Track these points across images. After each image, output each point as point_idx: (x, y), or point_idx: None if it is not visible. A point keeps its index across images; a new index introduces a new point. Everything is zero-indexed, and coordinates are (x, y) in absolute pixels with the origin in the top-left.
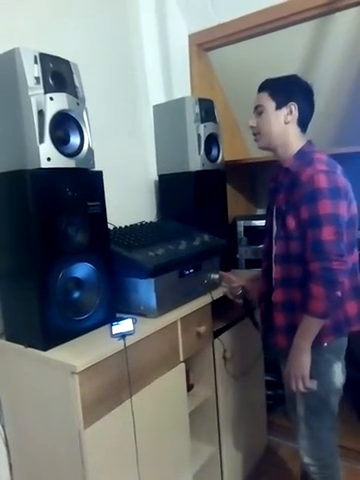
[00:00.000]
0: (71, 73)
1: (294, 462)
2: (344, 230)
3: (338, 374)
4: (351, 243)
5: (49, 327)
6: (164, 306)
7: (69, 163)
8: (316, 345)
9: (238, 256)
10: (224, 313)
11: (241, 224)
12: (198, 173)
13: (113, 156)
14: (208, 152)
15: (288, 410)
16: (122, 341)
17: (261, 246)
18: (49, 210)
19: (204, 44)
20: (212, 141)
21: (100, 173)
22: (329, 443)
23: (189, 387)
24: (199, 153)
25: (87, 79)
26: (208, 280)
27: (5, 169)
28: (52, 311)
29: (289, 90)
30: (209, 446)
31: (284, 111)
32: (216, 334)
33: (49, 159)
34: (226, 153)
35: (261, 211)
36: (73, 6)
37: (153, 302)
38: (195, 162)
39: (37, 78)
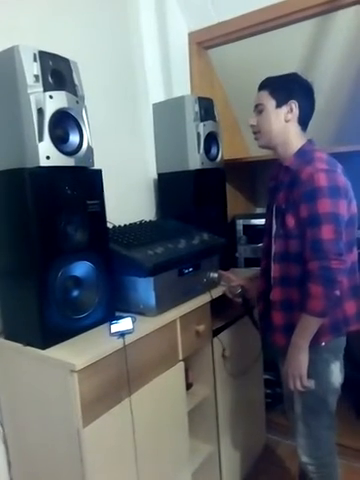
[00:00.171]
0: (70, 71)
1: (293, 460)
2: (343, 229)
3: (336, 373)
4: (350, 242)
5: (48, 325)
6: (163, 305)
7: (68, 161)
8: (314, 344)
9: (237, 255)
10: (223, 312)
11: (240, 223)
12: (197, 172)
13: (112, 154)
14: (208, 151)
15: (286, 409)
16: (121, 340)
17: (260, 245)
18: (48, 208)
19: (204, 42)
20: (212, 140)
21: (99, 171)
22: (327, 442)
23: (188, 386)
24: (199, 152)
25: (87, 77)
26: (207, 279)
27: (4, 167)
28: (51, 309)
29: (289, 88)
30: (208, 445)
31: (284, 109)
32: (215, 333)
33: (48, 157)
34: (226, 152)
35: (260, 210)
36: (73, 4)
37: (152, 301)
38: (194, 161)
39: (36, 76)
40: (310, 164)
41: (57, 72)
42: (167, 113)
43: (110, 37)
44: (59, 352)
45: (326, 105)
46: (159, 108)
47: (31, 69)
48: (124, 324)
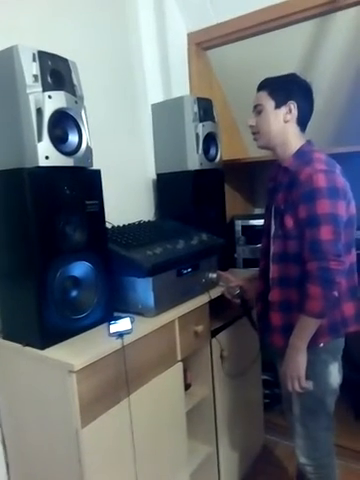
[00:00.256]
0: (70, 71)
1: (291, 461)
2: (342, 230)
3: (334, 375)
4: (349, 243)
5: (47, 326)
6: (162, 305)
7: (67, 161)
8: (312, 345)
9: (236, 255)
10: (222, 312)
11: (239, 223)
12: (196, 172)
13: (111, 155)
14: (206, 151)
15: (284, 410)
16: (120, 340)
17: (259, 245)
18: (47, 208)
19: (203, 43)
20: (210, 140)
21: (98, 172)
22: (325, 443)
23: (186, 386)
24: (197, 152)
25: (86, 77)
26: (206, 279)
27: (3, 167)
28: (50, 310)
29: (288, 89)
30: (206, 445)
31: (283, 110)
32: (214, 333)
33: (47, 157)
34: (224, 152)
35: (259, 210)
36: (72, 4)
37: (151, 301)
38: (193, 161)
39: (35, 76)
40: (309, 165)
41: (56, 72)
42: (166, 113)
43: (109, 37)
44: (58, 352)
45: (325, 106)
46: (158, 108)
47: (30, 69)
48: (123, 324)
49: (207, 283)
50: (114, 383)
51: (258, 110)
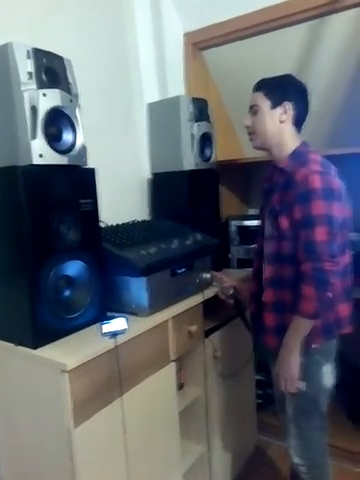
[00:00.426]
0: (64, 69)
1: (283, 461)
2: (337, 231)
3: (328, 376)
4: (343, 244)
5: (39, 325)
6: (156, 305)
7: (61, 160)
8: (305, 346)
9: (230, 256)
10: (215, 313)
11: (233, 224)
12: (191, 172)
13: (106, 154)
14: (202, 151)
15: (277, 410)
16: (113, 340)
17: (253, 246)
18: (41, 207)
19: (199, 43)
20: (206, 140)
21: (93, 170)
22: (318, 443)
23: (179, 386)
24: (193, 152)
25: (81, 76)
26: (200, 279)
27: None
28: (43, 309)
29: (284, 89)
30: (199, 445)
31: (279, 110)
32: (207, 333)
33: (41, 156)
34: (220, 153)
35: (253, 211)
36: (67, 3)
37: (145, 301)
38: (189, 161)
39: (30, 73)
40: (305, 166)
41: (51, 70)
42: (162, 113)
43: (105, 36)
44: (50, 352)
45: (320, 107)
46: (154, 108)
47: (25, 66)
48: (116, 324)
49: (201, 283)
50: (107, 383)
51: (254, 110)
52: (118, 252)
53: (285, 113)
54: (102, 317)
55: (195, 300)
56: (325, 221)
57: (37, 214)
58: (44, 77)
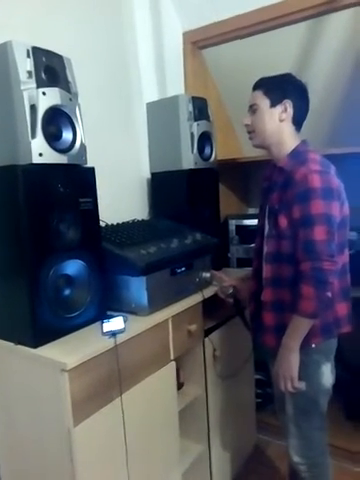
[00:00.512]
0: (64, 68)
1: (283, 460)
2: (336, 230)
3: (327, 375)
4: (342, 244)
5: (39, 324)
6: (155, 304)
7: (61, 159)
8: (305, 346)
9: (230, 255)
10: (215, 312)
11: (233, 223)
12: (191, 171)
13: (106, 153)
14: (201, 150)
15: (277, 409)
16: (113, 339)
17: (252, 245)
18: (40, 206)
19: (198, 42)
20: (205, 139)
21: (92, 169)
22: (319, 442)
23: (179, 385)
24: (192, 151)
25: (80, 75)
26: (200, 279)
27: None
28: (42, 308)
29: (283, 88)
30: (198, 444)
31: (278, 109)
32: (207, 333)
33: (41, 154)
34: (219, 152)
35: (252, 210)
36: (67, 1)
37: (144, 300)
38: (188, 160)
39: (29, 72)
40: (304, 165)
41: (50, 68)
42: (161, 112)
43: (104, 35)
44: (50, 351)
45: (320, 106)
46: (153, 107)
47: (24, 65)
48: (116, 323)
49: (201, 282)
50: (107, 382)
51: (253, 109)
52: (118, 251)
53: (284, 112)
54: (102, 316)
55: (195, 299)
56: (324, 220)
57: (37, 213)
58: (44, 76)
